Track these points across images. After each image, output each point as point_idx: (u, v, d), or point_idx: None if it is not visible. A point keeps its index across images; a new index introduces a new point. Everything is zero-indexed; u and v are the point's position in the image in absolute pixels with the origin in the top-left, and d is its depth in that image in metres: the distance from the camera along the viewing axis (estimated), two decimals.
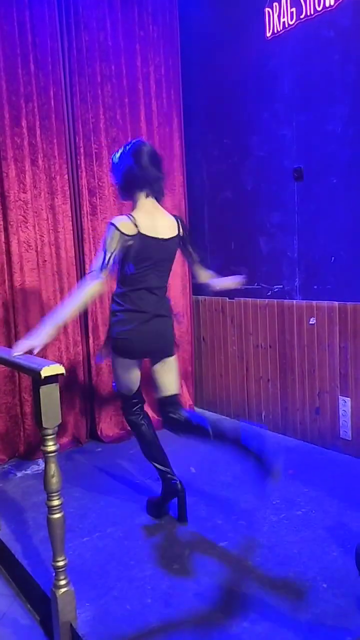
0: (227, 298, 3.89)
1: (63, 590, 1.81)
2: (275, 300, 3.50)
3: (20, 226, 3.29)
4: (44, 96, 3.35)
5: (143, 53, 3.74)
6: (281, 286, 3.47)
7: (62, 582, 1.82)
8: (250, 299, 3.69)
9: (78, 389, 3.60)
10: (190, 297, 4.12)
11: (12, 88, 3.23)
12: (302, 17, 3.10)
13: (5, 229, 3.29)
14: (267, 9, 3.30)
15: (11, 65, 3.22)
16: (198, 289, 4.15)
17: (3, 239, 3.30)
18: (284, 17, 3.21)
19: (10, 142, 3.24)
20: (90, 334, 3.61)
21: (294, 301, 3.37)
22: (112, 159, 2.41)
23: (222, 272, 3.92)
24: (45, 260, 3.41)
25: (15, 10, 3.21)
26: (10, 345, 3.26)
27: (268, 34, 3.32)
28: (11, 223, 3.27)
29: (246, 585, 1.99)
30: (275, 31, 3.28)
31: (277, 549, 2.21)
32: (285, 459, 3.13)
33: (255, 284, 3.66)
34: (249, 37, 3.47)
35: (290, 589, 1.95)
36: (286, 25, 3.20)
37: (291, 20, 3.17)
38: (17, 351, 1.95)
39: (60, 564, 1.81)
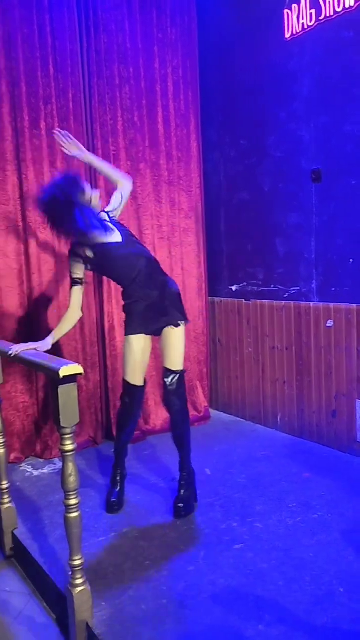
0: (243, 300, 3.88)
1: (79, 589, 1.82)
2: (292, 302, 3.49)
3: (39, 228, 3.32)
4: (62, 98, 3.38)
5: (161, 55, 3.76)
6: (298, 288, 3.46)
7: (79, 581, 1.83)
8: (266, 301, 3.68)
9: (94, 389, 3.62)
10: (206, 298, 4.12)
11: (32, 91, 3.27)
12: (321, 18, 3.09)
13: (25, 231, 3.32)
14: (286, 11, 3.30)
15: (31, 68, 3.26)
16: (214, 290, 4.15)
17: (22, 241, 3.33)
18: (303, 18, 3.20)
19: (30, 144, 3.28)
20: (106, 335, 3.62)
21: (311, 303, 3.36)
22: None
23: (238, 273, 3.94)
24: (63, 262, 3.43)
25: (35, 14, 3.24)
26: None
27: (287, 35, 3.32)
28: (30, 224, 3.30)
29: (262, 588, 1.98)
30: (295, 32, 3.27)
31: (293, 552, 2.20)
32: (302, 461, 3.12)
33: (272, 286, 3.64)
34: (267, 39, 3.46)
35: (306, 593, 1.94)
36: (305, 27, 3.19)
37: (310, 21, 3.15)
38: (17, 348, 2.22)
39: (77, 562, 1.82)
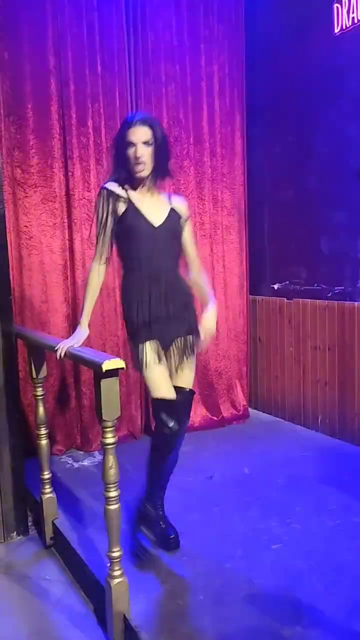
0: (285, 298, 3.84)
1: (118, 580, 1.85)
2: (336, 301, 3.43)
3: (84, 224, 3.37)
4: (109, 97, 3.42)
5: (207, 52, 3.75)
6: (342, 287, 3.39)
7: (117, 573, 1.85)
8: (309, 300, 3.63)
9: (134, 383, 3.65)
10: (247, 296, 4.09)
11: (80, 89, 3.32)
12: None
13: (70, 227, 3.38)
14: (335, 5, 3.23)
15: (79, 66, 3.31)
16: (255, 288, 4.12)
17: (67, 237, 3.40)
18: (353, 12, 3.13)
19: (77, 142, 3.33)
20: None
21: (356, 303, 3.29)
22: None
23: (280, 272, 3.90)
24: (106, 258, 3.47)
25: (84, 13, 3.29)
26: None
27: (336, 30, 3.25)
28: (75, 221, 3.36)
29: (299, 590, 1.96)
30: (344, 27, 3.20)
31: (332, 555, 2.17)
32: (342, 464, 3.07)
33: (315, 285, 3.59)
34: (315, 34, 3.41)
35: (345, 597, 1.91)
36: (355, 21, 3.13)
37: None
38: (61, 352, 2.07)
39: (116, 554, 1.85)
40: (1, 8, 3.09)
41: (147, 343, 2.11)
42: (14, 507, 2.59)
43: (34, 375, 2.45)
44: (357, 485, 2.77)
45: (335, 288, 3.45)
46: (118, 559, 1.85)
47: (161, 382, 2.12)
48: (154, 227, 2.12)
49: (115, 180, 2.13)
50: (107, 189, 2.11)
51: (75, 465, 3.26)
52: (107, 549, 1.86)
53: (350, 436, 3.39)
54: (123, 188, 2.13)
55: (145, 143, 2.06)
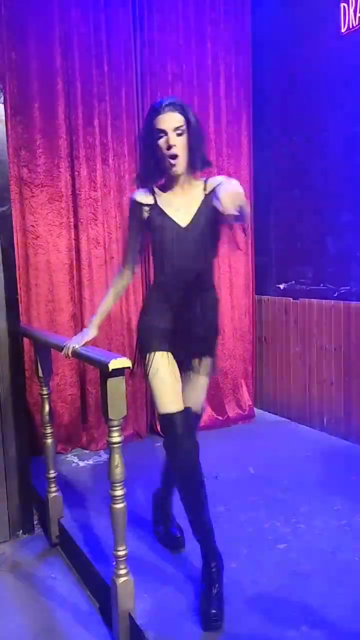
0: (291, 298, 3.83)
1: (123, 579, 1.85)
2: (342, 302, 3.42)
3: (90, 224, 3.38)
4: (115, 96, 3.42)
5: (214, 52, 3.75)
6: (348, 287, 3.39)
7: (122, 571, 1.85)
8: (315, 300, 3.62)
9: (139, 384, 3.66)
10: (252, 296, 4.09)
11: (86, 89, 3.33)
12: None
13: (76, 226, 3.39)
14: (342, 4, 3.23)
15: (86, 66, 3.31)
16: (261, 288, 4.12)
17: (73, 236, 3.41)
18: None
19: (83, 142, 3.34)
20: None
21: None
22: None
23: (286, 271, 3.89)
24: (113, 257, 3.48)
25: (91, 13, 3.30)
26: None
27: (343, 30, 3.24)
28: (81, 220, 3.37)
29: (305, 590, 1.96)
30: (351, 26, 3.19)
31: (338, 555, 2.16)
32: (348, 464, 3.06)
33: (321, 285, 3.58)
34: (322, 33, 3.40)
35: (351, 597, 1.91)
36: None
37: None
38: (67, 351, 2.01)
39: (121, 553, 1.85)
40: (8, 8, 3.10)
41: (158, 353, 1.92)
42: (20, 506, 2.60)
43: (40, 374, 2.45)
44: None
45: (342, 288, 3.44)
46: (124, 558, 1.85)
47: (166, 392, 1.90)
48: (181, 227, 1.90)
49: (144, 185, 1.94)
50: (133, 200, 1.97)
51: (81, 464, 3.27)
52: (113, 547, 1.86)
53: (356, 437, 3.38)
54: (152, 192, 1.94)
55: (178, 130, 1.82)
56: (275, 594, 1.94)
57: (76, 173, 3.35)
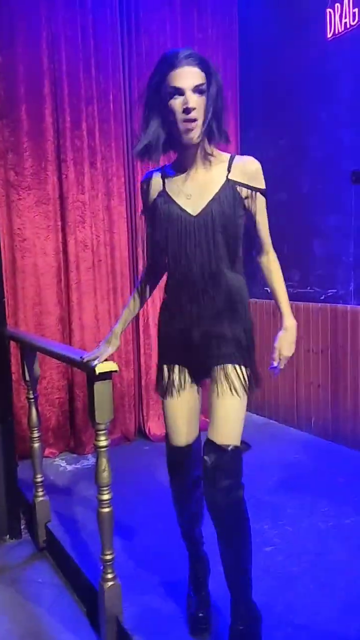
0: None
1: (110, 583, 1.85)
2: (329, 304, 3.44)
3: (78, 226, 3.38)
4: (103, 100, 3.42)
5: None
6: (335, 290, 3.41)
7: (110, 576, 1.85)
8: (302, 303, 3.64)
9: (128, 386, 3.65)
10: None
11: (74, 91, 3.32)
12: None
13: (63, 229, 3.38)
14: (328, 10, 3.26)
15: (73, 69, 3.31)
16: (248, 291, 4.12)
17: (60, 239, 3.40)
18: (345, 17, 3.15)
19: (70, 145, 3.33)
20: (141, 333, 3.65)
21: (348, 306, 3.31)
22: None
23: None
24: (100, 260, 3.48)
25: (78, 16, 3.30)
26: (65, 343, 3.37)
27: (329, 35, 3.28)
28: (69, 223, 3.36)
29: (292, 591, 1.97)
30: (337, 32, 3.23)
31: (325, 557, 2.17)
32: (335, 466, 3.08)
33: (308, 288, 3.61)
34: (308, 38, 3.43)
35: (338, 598, 1.92)
36: (348, 26, 3.15)
37: (353, 20, 3.11)
38: (87, 356, 1.76)
39: (108, 557, 1.85)
40: None
41: (170, 367, 1.67)
42: (6, 510, 2.59)
43: (27, 378, 2.44)
44: (349, 487, 2.78)
45: (328, 291, 3.47)
46: (111, 562, 1.85)
47: (174, 422, 1.67)
48: (190, 215, 1.55)
49: (147, 158, 1.56)
50: (141, 184, 1.68)
51: (69, 468, 3.25)
52: (100, 552, 1.86)
53: (343, 438, 3.40)
54: (161, 173, 1.62)
55: (198, 89, 1.44)
56: (263, 596, 1.94)
57: (64, 176, 3.34)
